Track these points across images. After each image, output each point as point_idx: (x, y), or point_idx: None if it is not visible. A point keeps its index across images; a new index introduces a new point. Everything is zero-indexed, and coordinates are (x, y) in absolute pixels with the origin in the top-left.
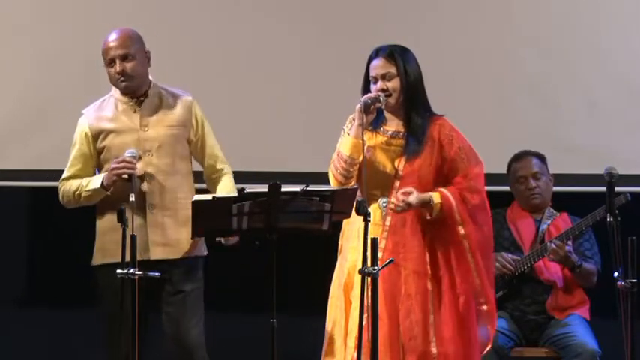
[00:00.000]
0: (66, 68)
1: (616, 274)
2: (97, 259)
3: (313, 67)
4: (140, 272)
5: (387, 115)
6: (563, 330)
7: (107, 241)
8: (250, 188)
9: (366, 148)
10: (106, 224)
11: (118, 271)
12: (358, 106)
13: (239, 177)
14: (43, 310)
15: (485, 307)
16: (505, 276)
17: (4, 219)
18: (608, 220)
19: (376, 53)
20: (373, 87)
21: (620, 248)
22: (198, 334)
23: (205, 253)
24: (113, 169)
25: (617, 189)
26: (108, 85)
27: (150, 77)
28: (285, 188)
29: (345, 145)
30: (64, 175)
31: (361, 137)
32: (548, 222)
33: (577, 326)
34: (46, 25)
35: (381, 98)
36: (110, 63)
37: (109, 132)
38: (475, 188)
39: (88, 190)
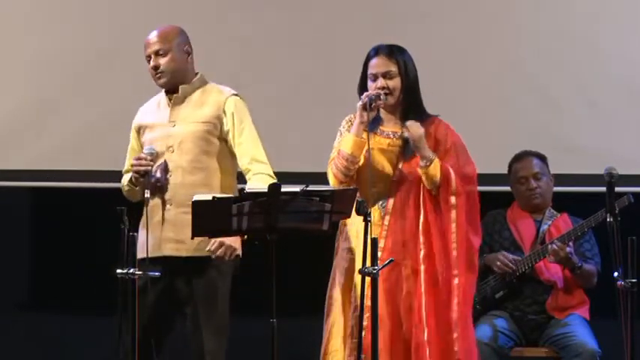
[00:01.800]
0: (66, 68)
1: (616, 274)
2: None
3: (313, 67)
4: (140, 272)
5: (383, 115)
6: (563, 330)
7: (139, 238)
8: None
9: (365, 147)
10: (140, 222)
11: (118, 271)
12: (360, 103)
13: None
14: (44, 311)
15: (456, 280)
16: (505, 276)
17: (5, 219)
18: (608, 220)
19: (376, 52)
20: (371, 84)
21: (620, 248)
22: (212, 338)
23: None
24: (132, 164)
25: (617, 189)
26: (108, 86)
27: (197, 73)
28: (285, 188)
29: (346, 143)
30: (123, 169)
31: (363, 135)
32: (549, 222)
33: (577, 326)
34: (47, 25)
35: (382, 96)
36: (148, 60)
37: (145, 127)
38: (468, 177)
39: (126, 186)
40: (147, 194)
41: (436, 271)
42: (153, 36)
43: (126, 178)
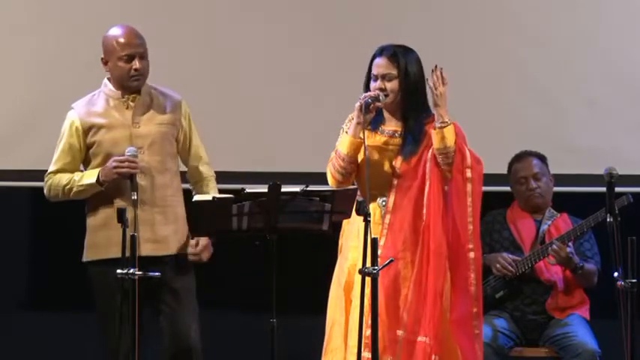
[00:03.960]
0: (66, 69)
1: (616, 274)
2: (89, 255)
3: (314, 67)
4: (140, 272)
5: (385, 114)
6: (563, 330)
7: (99, 237)
8: (250, 188)
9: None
10: (99, 220)
11: (118, 271)
12: (357, 104)
13: (239, 177)
14: (44, 311)
15: (472, 254)
16: (505, 276)
17: (5, 219)
18: (608, 220)
19: (380, 52)
20: (372, 84)
21: (620, 248)
22: (194, 331)
23: None
24: (115, 167)
25: (617, 189)
26: None
27: None
28: (285, 188)
29: (343, 143)
30: (51, 169)
31: (360, 136)
32: (549, 222)
33: (577, 326)
34: (47, 26)
35: (381, 97)
36: (126, 59)
37: (100, 127)
38: (478, 159)
39: (81, 185)
40: (134, 196)
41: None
42: (135, 37)
43: (73, 178)
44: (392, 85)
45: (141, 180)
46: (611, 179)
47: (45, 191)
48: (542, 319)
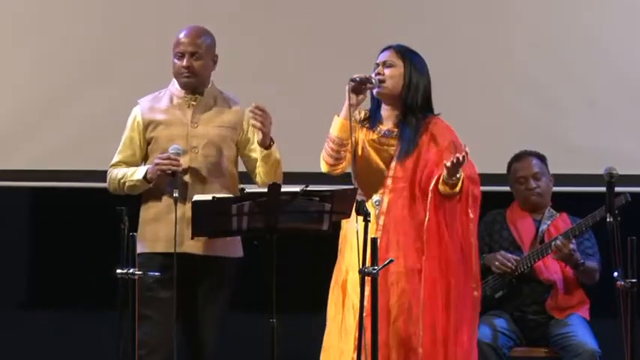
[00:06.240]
0: (66, 69)
1: (616, 274)
2: (137, 248)
3: (313, 67)
4: (140, 272)
5: (383, 113)
6: (563, 330)
7: (147, 231)
8: (250, 188)
9: (358, 141)
10: (147, 215)
11: (118, 271)
12: (347, 86)
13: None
14: (44, 311)
15: (475, 293)
16: (506, 276)
17: (5, 219)
18: (608, 220)
19: (387, 47)
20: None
21: (620, 248)
22: (215, 335)
23: (240, 255)
24: (157, 164)
25: (617, 189)
26: (108, 86)
27: (211, 79)
28: (285, 188)
29: (334, 126)
30: (113, 161)
31: (350, 117)
32: (548, 222)
33: (577, 326)
34: (47, 26)
35: (373, 80)
36: (179, 56)
37: (159, 123)
38: (475, 179)
39: (132, 180)
40: (175, 194)
41: (446, 281)
42: (191, 35)
43: (127, 173)
44: (391, 72)
45: (191, 179)
46: (611, 179)
47: (107, 183)
48: (542, 319)
